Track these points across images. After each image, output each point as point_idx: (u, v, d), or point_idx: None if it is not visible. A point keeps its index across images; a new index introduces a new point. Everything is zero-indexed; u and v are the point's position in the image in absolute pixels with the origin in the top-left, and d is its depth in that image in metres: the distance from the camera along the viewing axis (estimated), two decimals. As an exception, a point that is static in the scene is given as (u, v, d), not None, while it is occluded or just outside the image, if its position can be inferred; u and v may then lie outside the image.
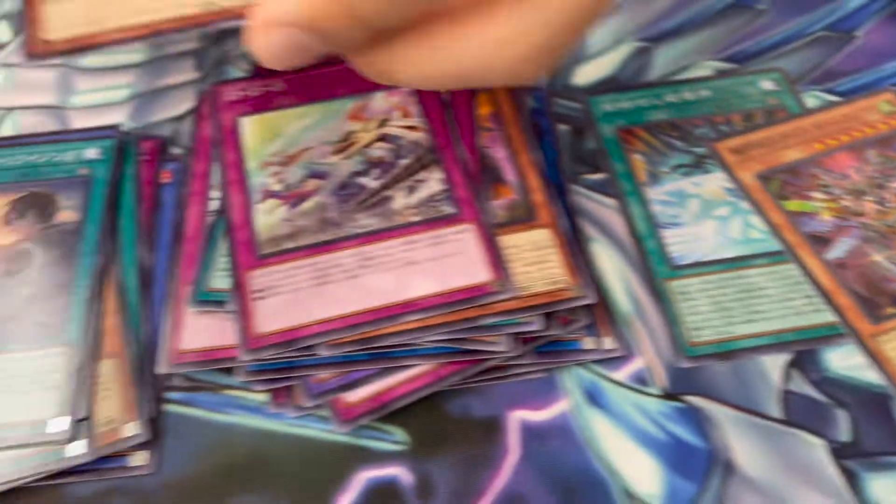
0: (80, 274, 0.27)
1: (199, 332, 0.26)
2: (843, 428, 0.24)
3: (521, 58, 0.20)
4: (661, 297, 0.27)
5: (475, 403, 0.25)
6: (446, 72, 0.20)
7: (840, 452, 0.24)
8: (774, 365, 0.25)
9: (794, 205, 0.29)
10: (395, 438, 0.24)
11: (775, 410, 0.25)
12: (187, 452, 0.24)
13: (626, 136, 0.31)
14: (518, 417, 0.25)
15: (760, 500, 0.23)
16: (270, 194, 0.28)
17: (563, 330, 0.26)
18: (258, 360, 0.25)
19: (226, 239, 0.27)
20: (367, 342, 0.25)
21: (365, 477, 0.24)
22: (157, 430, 0.24)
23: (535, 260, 0.26)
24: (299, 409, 0.25)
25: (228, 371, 0.26)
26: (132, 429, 0.24)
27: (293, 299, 0.25)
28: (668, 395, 0.25)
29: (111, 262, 0.28)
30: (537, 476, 0.23)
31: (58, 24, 0.21)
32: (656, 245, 0.28)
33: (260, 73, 0.33)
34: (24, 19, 0.21)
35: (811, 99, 0.33)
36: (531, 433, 0.24)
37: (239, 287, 0.26)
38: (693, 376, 0.25)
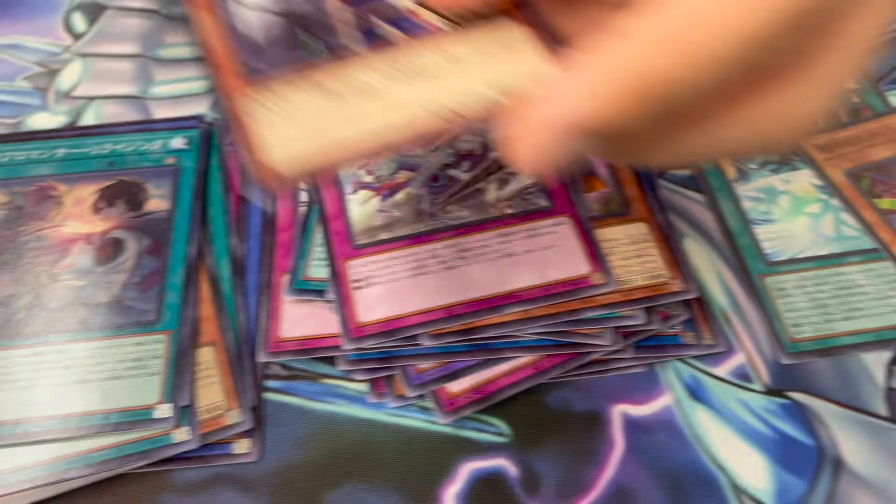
0: (174, 262, 0.27)
1: (297, 320, 0.26)
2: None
3: (794, 128, 0.17)
4: (758, 294, 0.27)
5: (575, 397, 0.25)
6: (711, 151, 0.18)
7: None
8: (877, 362, 0.25)
9: (886, 203, 0.29)
10: (498, 430, 0.24)
11: (881, 408, 0.24)
12: (289, 440, 0.24)
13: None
14: (620, 411, 0.25)
15: (871, 497, 0.23)
16: (362, 186, 0.28)
17: (663, 325, 0.25)
18: (360, 348, 0.24)
19: (321, 229, 0.27)
20: (469, 333, 0.25)
21: (469, 468, 0.24)
22: (258, 418, 0.24)
23: (634, 254, 0.26)
24: (400, 400, 0.25)
25: (327, 360, 0.26)
26: (235, 416, 0.24)
27: (392, 289, 0.25)
28: (772, 391, 0.25)
29: (203, 251, 0.28)
30: (644, 470, 0.23)
31: (280, 149, 0.20)
32: (750, 241, 0.28)
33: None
34: (244, 147, 0.20)
35: (895, 97, 0.32)
36: (635, 427, 0.24)
37: (338, 276, 0.26)
38: (794, 373, 0.25)
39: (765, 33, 0.15)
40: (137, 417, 0.24)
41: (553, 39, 0.21)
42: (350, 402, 0.25)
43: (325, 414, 0.25)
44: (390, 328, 0.25)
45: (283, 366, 0.26)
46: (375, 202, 0.28)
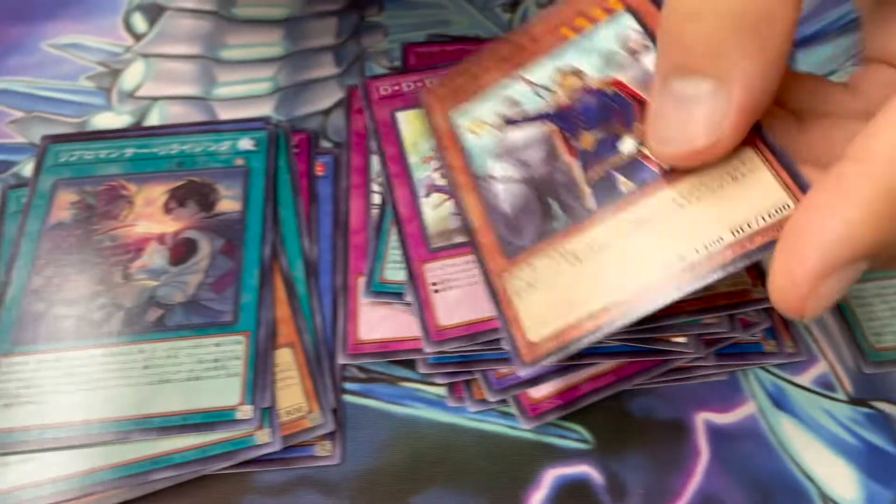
0: (248, 263, 0.27)
1: (375, 323, 0.26)
2: None
3: None
4: (837, 302, 0.26)
5: (657, 404, 0.25)
6: None
7: None
8: (962, 373, 0.25)
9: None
10: (580, 436, 0.24)
11: (969, 419, 0.24)
12: (369, 443, 0.24)
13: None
14: (704, 419, 0.24)
15: (963, 510, 0.23)
16: (435, 188, 0.28)
17: (744, 332, 0.25)
18: (441, 352, 0.24)
19: (395, 231, 0.27)
20: (551, 338, 0.24)
21: (554, 474, 0.23)
22: (338, 421, 0.24)
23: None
24: (481, 404, 0.25)
25: (405, 363, 0.25)
26: (317, 418, 0.24)
27: (472, 293, 0.25)
28: (855, 401, 0.25)
29: (277, 252, 0.28)
30: (732, 478, 0.23)
31: (535, 321, 0.21)
32: (826, 249, 0.28)
33: (410, 67, 0.33)
34: (511, 326, 0.21)
35: None
36: (719, 435, 0.24)
37: (415, 279, 0.26)
38: (878, 382, 0.25)
39: None
40: (219, 418, 0.24)
41: (789, 165, 0.19)
42: (429, 405, 0.25)
43: (404, 417, 0.25)
44: (471, 332, 0.24)
45: (361, 368, 0.26)
46: (449, 205, 0.28)
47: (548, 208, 0.22)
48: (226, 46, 0.36)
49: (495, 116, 0.25)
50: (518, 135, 0.24)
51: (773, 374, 0.25)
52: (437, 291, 0.25)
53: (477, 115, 0.25)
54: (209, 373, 0.25)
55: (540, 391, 0.24)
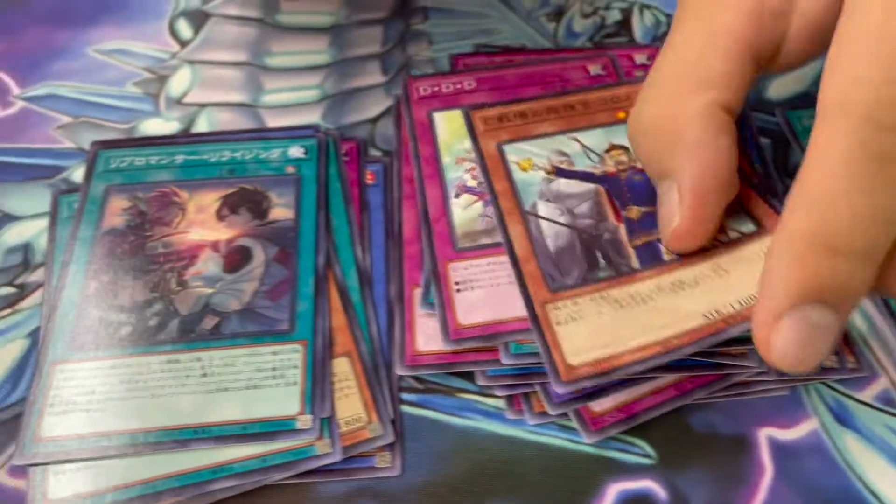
0: (303, 272, 0.27)
1: (433, 334, 0.26)
2: None
3: None
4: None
5: (718, 419, 0.24)
6: None
7: None
8: None
9: None
10: (642, 451, 0.24)
11: None
12: (428, 455, 0.24)
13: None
14: (766, 435, 0.24)
15: None
16: (465, 189, 0.28)
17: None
18: (458, 350, 0.25)
19: (424, 230, 0.27)
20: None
21: (617, 489, 0.23)
22: (397, 432, 0.24)
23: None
24: (541, 417, 0.24)
25: (462, 374, 0.25)
26: (376, 429, 0.24)
27: (492, 294, 0.25)
28: (919, 418, 0.24)
29: (331, 261, 0.28)
30: (797, 496, 0.23)
31: (575, 349, 0.23)
32: (883, 264, 0.28)
33: (451, 70, 0.33)
34: (550, 347, 0.23)
35: None
36: (783, 452, 0.24)
37: (439, 277, 0.26)
38: (941, 400, 0.25)
39: None
40: (279, 428, 0.24)
41: None
42: (488, 417, 0.25)
43: (463, 429, 0.24)
44: (488, 332, 0.24)
45: (417, 379, 0.26)
46: (478, 206, 0.28)
47: (594, 259, 0.25)
48: (271, 54, 0.36)
49: (545, 161, 0.28)
50: (567, 184, 0.28)
51: (835, 390, 0.25)
52: (459, 291, 0.25)
53: (527, 154, 0.28)
54: (267, 381, 0.24)
55: (601, 405, 0.24)
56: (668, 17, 0.37)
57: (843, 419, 0.24)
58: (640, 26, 0.37)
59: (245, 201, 0.29)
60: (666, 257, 0.25)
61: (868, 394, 0.25)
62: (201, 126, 0.33)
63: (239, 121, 0.33)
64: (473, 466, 0.24)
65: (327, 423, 0.24)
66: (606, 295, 0.24)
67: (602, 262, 0.25)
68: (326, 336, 0.26)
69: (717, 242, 0.25)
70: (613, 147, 0.29)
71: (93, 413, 0.24)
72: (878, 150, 0.17)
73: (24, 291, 0.28)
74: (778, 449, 0.24)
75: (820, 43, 0.23)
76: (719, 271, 0.24)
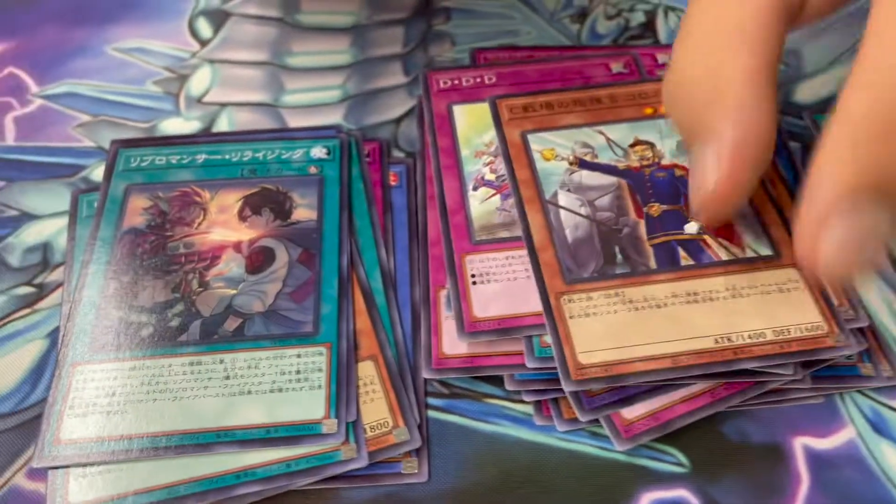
0: (327, 273, 0.27)
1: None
2: None
3: None
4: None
5: (752, 427, 0.24)
6: None
7: None
8: None
9: None
10: (675, 459, 0.23)
11: None
12: (455, 461, 0.23)
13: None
14: (802, 444, 0.24)
15: None
16: (483, 183, 0.28)
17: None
18: (473, 343, 0.24)
19: (441, 222, 0.27)
20: (643, 357, 0.24)
21: (650, 497, 0.23)
22: (423, 437, 0.24)
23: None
24: (570, 423, 0.24)
25: (489, 379, 0.25)
26: (403, 434, 0.23)
27: (508, 288, 0.25)
28: (958, 429, 0.24)
29: (355, 262, 0.27)
30: (835, 507, 0.22)
31: (586, 346, 0.23)
32: (918, 270, 0.27)
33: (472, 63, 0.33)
34: (561, 341, 0.23)
35: None
36: (819, 461, 0.23)
37: (456, 270, 0.25)
38: (980, 409, 0.24)
39: None
40: (305, 432, 0.23)
41: (828, 298, 0.24)
42: (516, 423, 0.24)
43: (490, 435, 0.24)
44: (503, 326, 0.24)
45: (444, 383, 0.25)
46: (496, 200, 0.27)
47: (612, 254, 0.25)
48: (292, 53, 0.35)
49: (569, 152, 0.28)
50: (589, 176, 0.28)
51: (871, 399, 0.24)
52: (475, 283, 0.25)
53: (551, 144, 0.28)
54: (292, 385, 0.24)
55: (633, 412, 0.24)
56: (693, 19, 0.37)
57: (880, 428, 0.24)
58: (664, 28, 0.36)
59: (267, 202, 0.29)
60: (683, 262, 0.25)
61: (905, 403, 0.24)
62: (222, 126, 0.32)
63: (260, 121, 0.33)
64: (501, 473, 0.23)
65: (352, 428, 0.23)
66: (622, 293, 0.24)
67: (619, 257, 0.25)
68: (351, 339, 0.25)
69: (733, 257, 0.25)
70: (638, 142, 0.29)
71: (113, 415, 0.23)
72: None
73: (43, 291, 0.27)
74: (814, 458, 0.23)
75: None
76: (734, 292, 0.24)
